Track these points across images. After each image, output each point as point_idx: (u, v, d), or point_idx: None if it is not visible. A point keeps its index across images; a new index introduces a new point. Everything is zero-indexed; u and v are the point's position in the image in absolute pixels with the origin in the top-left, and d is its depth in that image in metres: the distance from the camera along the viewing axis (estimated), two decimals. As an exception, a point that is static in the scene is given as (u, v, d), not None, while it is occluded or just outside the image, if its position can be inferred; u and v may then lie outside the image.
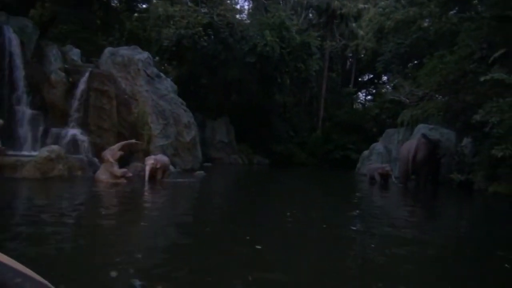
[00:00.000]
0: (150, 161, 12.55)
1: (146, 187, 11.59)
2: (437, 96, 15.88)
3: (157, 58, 28.09)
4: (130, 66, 16.82)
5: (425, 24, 21.72)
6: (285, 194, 13.16)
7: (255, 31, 26.86)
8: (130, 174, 12.49)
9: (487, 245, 6.78)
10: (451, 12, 22.18)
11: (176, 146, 17.64)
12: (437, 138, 19.74)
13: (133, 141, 13.80)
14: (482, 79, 12.45)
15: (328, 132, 35.59)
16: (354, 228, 7.70)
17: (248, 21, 31.05)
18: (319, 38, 28.28)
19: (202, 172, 16.88)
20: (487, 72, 15.44)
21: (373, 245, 6.16)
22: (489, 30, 16.52)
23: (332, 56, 38.71)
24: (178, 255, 5.06)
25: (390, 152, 24.01)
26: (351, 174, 25.99)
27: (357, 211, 10.23)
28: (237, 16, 28.98)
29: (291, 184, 18.04)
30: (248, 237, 6.01)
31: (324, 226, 7.33)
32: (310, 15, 38.57)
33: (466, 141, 18.38)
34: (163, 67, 29.88)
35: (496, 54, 16.85)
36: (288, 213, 8.25)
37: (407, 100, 15.88)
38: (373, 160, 24.03)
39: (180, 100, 19.13)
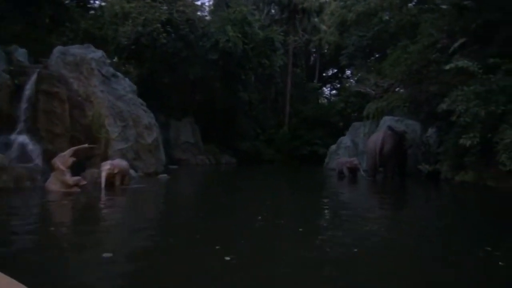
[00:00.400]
0: (106, 167, 11.61)
1: (102, 196, 10.65)
2: (402, 86, 15.74)
3: (116, 58, 26.81)
4: (83, 65, 15.66)
5: (386, 17, 21.74)
6: (255, 194, 12.57)
7: (216, 27, 26.11)
8: (85, 182, 11.49)
9: (457, 236, 6.48)
10: (411, 4, 22.34)
11: (136, 149, 16.66)
12: (402, 130, 19.75)
13: (86, 145, 12.75)
14: (447, 67, 12.34)
15: (295, 128, 35.40)
16: (328, 228, 7.23)
17: (209, 17, 30.21)
18: (282, 33, 27.85)
19: (165, 175, 16.03)
20: (450, 62, 15.50)
21: (352, 251, 5.67)
22: (449, 20, 16.59)
23: (296, 51, 38.53)
24: (134, 277, 4.33)
25: (357, 146, 23.97)
26: (319, 169, 25.80)
27: (329, 209, 9.81)
28: (198, 12, 28.03)
29: (260, 183, 17.50)
30: (217, 247, 5.39)
31: (301, 230, 6.79)
32: (273, 10, 38.19)
33: (431, 131, 18.47)
34: (123, 67, 28.57)
35: (456, 44, 16.97)
36: (259, 217, 7.65)
37: (373, 92, 15.71)
38: (341, 154, 23.91)
39: (140, 100, 18.12)
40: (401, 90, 16.14)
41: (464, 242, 6.31)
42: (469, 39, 16.80)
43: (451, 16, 16.49)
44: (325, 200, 11.53)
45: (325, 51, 41.78)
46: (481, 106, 10.73)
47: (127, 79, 18.61)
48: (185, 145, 28.12)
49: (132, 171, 14.57)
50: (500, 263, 4.85)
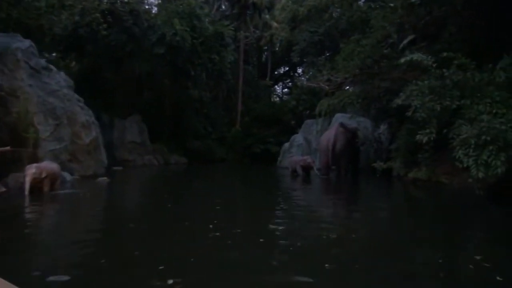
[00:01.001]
0: (31, 171, 10.02)
1: (26, 203, 9.13)
2: (355, 82, 15.34)
3: (54, 53, 24.52)
4: (7, 56, 13.72)
5: (337, 13, 21.45)
6: (205, 197, 11.50)
7: (163, 20, 24.60)
8: (3, 189, 9.86)
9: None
10: (361, 1, 22.22)
11: (72, 149, 14.94)
12: (355, 127, 19.52)
13: (8, 148, 11.04)
14: (402, 60, 11.95)
15: (247, 126, 34.59)
16: (289, 235, 6.36)
17: (156, 10, 28.56)
18: (232, 29, 26.84)
19: (105, 178, 14.49)
20: (401, 57, 15.28)
21: (311, 262, 4.82)
22: (399, 17, 16.41)
23: (247, 48, 37.74)
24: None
25: (310, 143, 23.56)
26: (272, 168, 25.16)
27: (286, 212, 9.00)
28: (143, 4, 26.34)
29: (211, 184, 16.42)
30: (160, 267, 4.35)
31: (261, 240, 5.86)
32: (223, 6, 37.11)
33: (383, 128, 18.33)
34: (63, 61, 26.23)
35: (405, 41, 16.88)
36: (211, 225, 6.63)
37: (326, 87, 15.20)
38: (294, 152, 23.39)
39: (77, 96, 16.35)
40: (353, 87, 15.72)
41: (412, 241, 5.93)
42: (418, 35, 16.77)
43: (401, 12, 16.32)
44: (281, 202, 10.73)
45: (277, 49, 41.44)
46: (436, 101, 10.40)
47: (62, 73, 16.75)
48: (131, 145, 26.30)
49: (66, 174, 12.96)
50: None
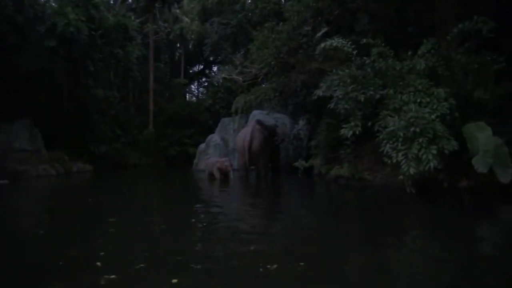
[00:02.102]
0: None
1: None
2: (271, 75, 13.88)
3: None
4: None
5: (249, 4, 19.94)
6: (110, 212, 9.02)
7: (54, 8, 21.01)
8: None
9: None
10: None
11: None
12: (273, 123, 18.22)
13: None
14: (322, 45, 10.68)
15: (161, 128, 31.78)
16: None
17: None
18: (136, 21, 23.98)
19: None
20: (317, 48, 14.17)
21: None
22: (312, 9, 15.37)
23: (159, 45, 34.90)
24: None
25: (227, 143, 21.79)
26: (189, 171, 22.96)
27: (205, 227, 7.06)
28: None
29: (120, 194, 13.76)
30: None
31: (180, 257, 3.80)
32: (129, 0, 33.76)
33: (301, 124, 17.21)
34: None
35: (319, 34, 15.90)
36: (99, 259, 4.41)
37: (240, 79, 13.54)
38: (211, 153, 21.41)
39: None
40: (270, 80, 14.27)
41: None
42: (332, 28, 15.89)
43: (314, 5, 15.29)
44: (200, 214, 8.71)
45: (190, 46, 39.11)
46: (359, 90, 9.27)
47: None
48: (22, 153, 22.15)
49: None
50: None
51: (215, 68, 39.83)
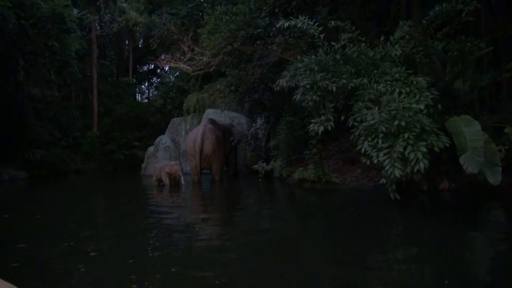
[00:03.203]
0: None
1: None
2: (225, 65, 12.00)
3: None
4: None
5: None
6: (39, 230, 6.71)
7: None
8: None
9: None
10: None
11: None
12: (228, 123, 16.40)
13: None
14: (284, 23, 8.97)
15: (107, 130, 28.83)
16: None
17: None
18: (78, 13, 21.18)
19: None
20: (275, 40, 12.54)
21: None
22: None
23: (104, 42, 31.87)
24: None
25: (178, 145, 19.62)
26: (137, 177, 20.51)
27: (153, 239, 5.09)
28: None
29: (52, 207, 11.25)
30: None
31: None
32: (71, -8, 30.48)
33: (259, 123, 15.49)
34: None
35: (278, 24, 14.28)
36: None
37: (189, 68, 11.58)
38: (160, 156, 19.16)
39: None
40: (224, 70, 12.37)
41: None
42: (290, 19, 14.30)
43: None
44: (143, 232, 6.67)
45: (139, 45, 36.35)
46: (330, 79, 7.70)
47: None
48: None
49: None
50: None
51: (167, 68, 37.34)
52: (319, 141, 10.45)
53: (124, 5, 28.71)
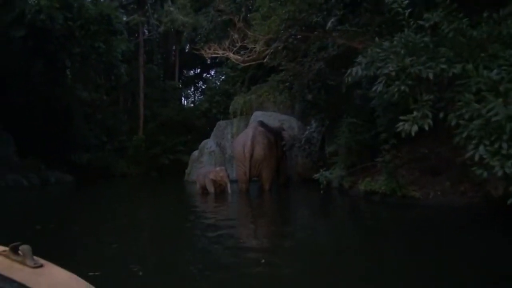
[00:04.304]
0: None
1: None
2: (280, 54, 10.28)
3: None
4: None
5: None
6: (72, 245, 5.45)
7: (24, -7, 17.64)
8: None
9: None
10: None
11: None
12: (279, 126, 14.76)
13: None
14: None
15: (152, 134, 28.19)
16: None
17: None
18: (122, 11, 20.57)
19: None
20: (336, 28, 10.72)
21: None
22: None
23: (151, 46, 31.54)
24: None
25: (224, 150, 18.22)
26: (181, 183, 19.38)
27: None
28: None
29: (94, 213, 10.16)
30: None
31: None
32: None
33: (314, 125, 13.64)
34: None
35: (333, 19, 12.43)
36: None
37: (240, 58, 10.09)
38: (205, 161, 17.85)
39: None
40: (278, 60, 10.65)
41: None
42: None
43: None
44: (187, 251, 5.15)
45: (186, 49, 35.80)
46: (424, 64, 5.82)
47: None
48: (-14, 161, 18.63)
49: None
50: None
51: (212, 72, 36.54)
52: (394, 146, 8.50)
53: (171, 8, 28.09)
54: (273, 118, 15.98)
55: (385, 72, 6.08)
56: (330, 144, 12.52)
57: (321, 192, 8.83)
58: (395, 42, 6.45)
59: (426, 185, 8.50)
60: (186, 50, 36.27)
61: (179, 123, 29.43)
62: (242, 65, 11.35)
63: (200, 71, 37.93)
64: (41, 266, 1.01)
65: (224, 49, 10.19)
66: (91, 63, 20.17)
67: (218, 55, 10.95)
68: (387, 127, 8.58)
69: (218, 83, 32.20)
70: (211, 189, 12.36)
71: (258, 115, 16.56)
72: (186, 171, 19.32)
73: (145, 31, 29.72)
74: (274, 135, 13.23)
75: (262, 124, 13.26)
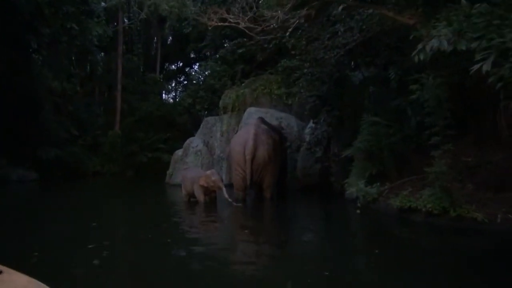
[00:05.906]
0: None
1: None
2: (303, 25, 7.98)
3: None
4: None
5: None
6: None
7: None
8: None
9: None
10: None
11: None
12: (277, 124, 12.58)
13: None
14: None
15: (130, 129, 25.42)
16: None
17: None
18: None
19: None
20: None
21: None
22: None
23: (132, 36, 28.75)
24: None
25: (212, 149, 15.85)
26: (162, 185, 16.85)
27: None
28: None
29: (53, 219, 7.62)
30: None
31: None
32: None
33: (322, 125, 11.47)
34: None
35: None
36: None
37: (257, 27, 7.81)
38: (190, 162, 15.39)
39: None
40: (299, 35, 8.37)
41: None
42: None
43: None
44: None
45: (168, 41, 33.15)
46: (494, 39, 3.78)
47: None
48: None
49: None
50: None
51: (196, 67, 33.91)
52: (448, 151, 6.45)
53: None
54: (269, 116, 13.75)
55: (483, 45, 3.95)
56: (341, 146, 10.41)
57: (357, 211, 6.66)
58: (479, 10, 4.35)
59: (488, 204, 6.50)
60: (169, 42, 33.61)
61: (159, 119, 26.81)
62: (257, 38, 8.94)
63: (182, 65, 35.23)
64: (0, 272, 1.05)
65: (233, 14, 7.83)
66: (63, 47, 17.29)
67: (225, 23, 8.56)
68: (437, 130, 6.53)
69: (202, 78, 29.70)
70: (200, 197, 10.01)
71: (252, 112, 14.30)
72: (168, 172, 16.78)
73: (125, 20, 26.90)
74: (279, 135, 11.05)
75: (263, 121, 11.01)
